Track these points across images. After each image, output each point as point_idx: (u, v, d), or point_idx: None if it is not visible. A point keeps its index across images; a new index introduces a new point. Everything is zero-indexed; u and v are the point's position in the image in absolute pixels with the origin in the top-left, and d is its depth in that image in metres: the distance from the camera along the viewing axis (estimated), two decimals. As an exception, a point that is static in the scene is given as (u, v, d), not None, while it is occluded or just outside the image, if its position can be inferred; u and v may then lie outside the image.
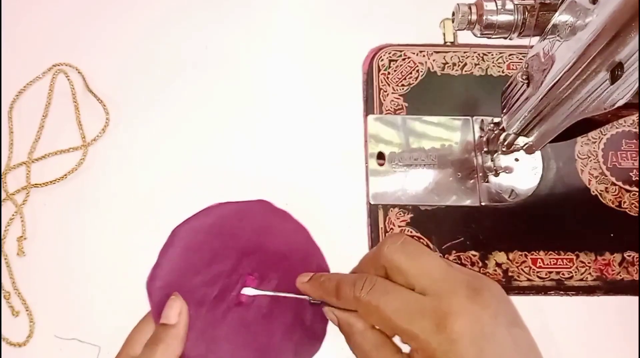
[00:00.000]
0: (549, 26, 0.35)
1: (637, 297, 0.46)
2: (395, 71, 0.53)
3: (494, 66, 0.54)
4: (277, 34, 0.56)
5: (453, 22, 0.39)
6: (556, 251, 0.47)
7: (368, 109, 0.52)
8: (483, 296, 0.30)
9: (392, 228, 0.48)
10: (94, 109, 0.53)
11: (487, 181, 0.49)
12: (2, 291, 0.46)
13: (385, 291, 0.32)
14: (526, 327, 0.31)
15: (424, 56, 0.54)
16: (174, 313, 0.34)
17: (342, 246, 0.47)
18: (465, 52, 0.54)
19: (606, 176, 0.50)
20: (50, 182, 0.50)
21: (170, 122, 0.53)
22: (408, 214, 0.48)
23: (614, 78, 0.30)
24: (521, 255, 0.47)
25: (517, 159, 0.50)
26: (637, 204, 0.49)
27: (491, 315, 0.29)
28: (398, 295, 0.31)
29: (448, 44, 0.51)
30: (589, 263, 0.47)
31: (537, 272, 0.47)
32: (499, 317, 0.29)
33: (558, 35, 0.34)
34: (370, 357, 0.33)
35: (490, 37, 0.38)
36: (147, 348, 0.33)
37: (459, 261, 0.47)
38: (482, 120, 0.51)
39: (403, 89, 0.53)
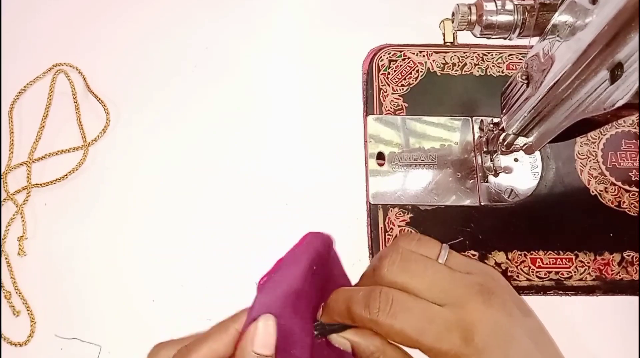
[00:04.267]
0: (549, 26, 0.35)
1: (636, 297, 0.47)
2: (395, 71, 0.53)
3: (493, 66, 0.54)
4: (277, 35, 0.57)
5: (453, 22, 0.39)
6: (555, 251, 0.47)
7: (368, 109, 0.52)
8: (497, 296, 0.30)
9: (391, 228, 0.48)
10: (94, 109, 0.53)
11: (487, 181, 0.49)
12: (3, 291, 0.46)
13: (405, 309, 0.29)
14: (531, 310, 0.32)
15: (423, 56, 0.54)
16: (273, 342, 0.29)
17: (342, 246, 0.47)
18: (465, 53, 0.54)
19: (605, 176, 0.50)
20: (51, 182, 0.50)
21: (170, 122, 0.53)
22: (408, 214, 0.48)
23: (613, 78, 0.30)
24: (520, 255, 0.47)
25: (516, 160, 0.50)
26: (637, 204, 0.49)
27: (507, 314, 0.29)
28: (419, 311, 0.29)
29: (448, 44, 0.51)
30: (588, 263, 0.47)
31: (537, 272, 0.47)
32: (513, 313, 0.30)
33: (558, 36, 0.34)
34: None
35: (490, 38, 0.38)
36: None
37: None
38: (482, 120, 0.51)
39: (403, 89, 0.53)
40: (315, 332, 0.32)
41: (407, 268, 0.31)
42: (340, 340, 0.32)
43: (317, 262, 0.32)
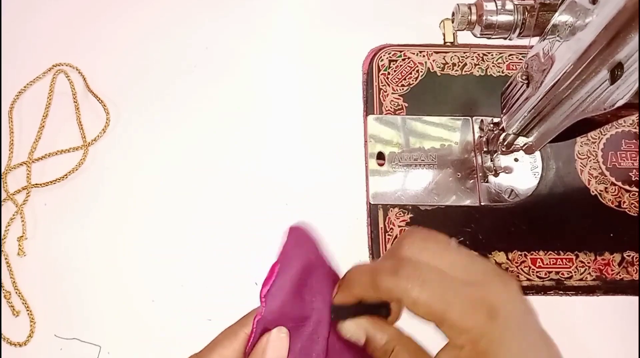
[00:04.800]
0: (549, 26, 0.35)
1: (636, 297, 0.47)
2: (395, 71, 0.53)
3: (493, 66, 0.54)
4: (277, 35, 0.57)
5: (453, 22, 0.39)
6: (556, 251, 0.47)
7: (368, 109, 0.52)
8: (513, 285, 0.30)
9: (392, 228, 0.48)
10: (94, 109, 0.53)
11: (487, 181, 0.49)
12: (3, 291, 0.46)
13: (433, 280, 0.28)
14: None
15: (423, 56, 0.54)
16: (284, 355, 0.29)
17: (342, 246, 0.48)
18: (465, 53, 0.54)
19: (606, 176, 0.50)
20: (51, 182, 0.50)
21: (170, 122, 0.53)
22: (408, 214, 0.48)
23: (613, 78, 0.30)
24: (521, 255, 0.47)
25: (516, 160, 0.50)
26: (637, 204, 0.49)
27: (522, 300, 0.29)
28: (446, 285, 0.28)
29: (448, 44, 0.51)
30: (588, 263, 0.47)
31: (537, 272, 0.47)
32: (524, 302, 0.30)
33: (558, 36, 0.34)
34: None
35: (490, 38, 0.38)
36: None
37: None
38: (482, 120, 0.51)
39: (403, 89, 0.53)
40: (333, 316, 0.31)
41: (428, 248, 0.30)
42: (353, 330, 0.31)
43: (313, 253, 0.32)
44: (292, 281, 0.31)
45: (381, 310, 0.31)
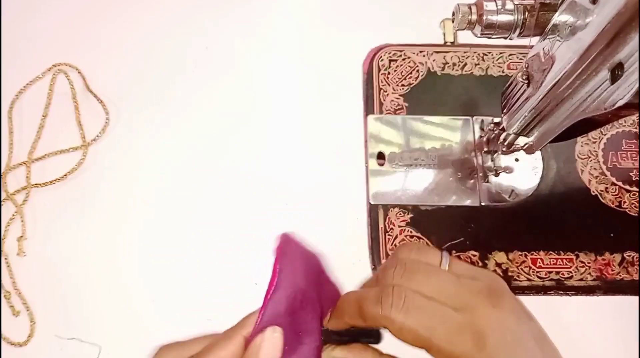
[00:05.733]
0: (549, 26, 0.35)
1: (637, 297, 0.47)
2: (395, 71, 0.53)
3: (494, 66, 0.54)
4: (277, 34, 0.56)
5: (453, 22, 0.39)
6: (556, 251, 0.47)
7: (368, 109, 0.52)
8: (505, 299, 0.29)
9: (392, 228, 0.48)
10: (93, 109, 0.53)
11: (487, 181, 0.49)
12: (3, 291, 0.46)
13: (418, 306, 0.29)
14: (532, 314, 0.32)
15: (424, 56, 0.54)
16: (278, 354, 0.29)
17: (342, 247, 0.48)
18: (465, 52, 0.54)
19: (606, 176, 0.50)
20: (51, 182, 0.50)
21: (170, 122, 0.53)
22: (408, 214, 0.48)
23: (614, 78, 0.30)
24: (521, 255, 0.47)
25: (517, 159, 0.50)
26: (637, 204, 0.49)
27: (516, 318, 0.29)
28: (431, 310, 0.29)
29: (448, 44, 0.51)
30: (588, 263, 0.47)
31: (537, 272, 0.47)
32: (520, 317, 0.30)
33: (558, 35, 0.34)
34: None
35: (490, 37, 0.38)
36: None
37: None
38: (482, 120, 0.51)
39: (403, 89, 0.53)
40: (323, 340, 0.31)
41: (413, 278, 0.30)
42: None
43: (309, 262, 0.32)
44: (286, 300, 0.30)
45: (371, 336, 0.32)
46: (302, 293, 0.31)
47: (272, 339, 0.28)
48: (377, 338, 0.32)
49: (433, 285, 0.30)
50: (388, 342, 0.31)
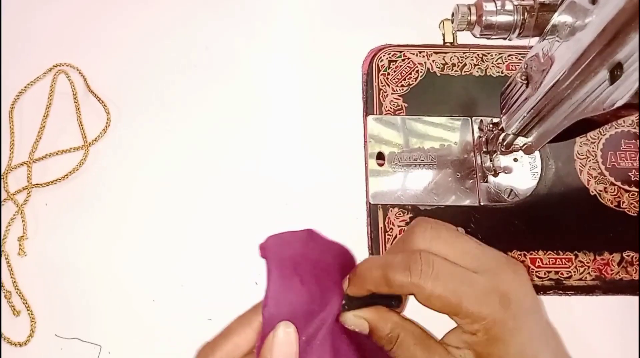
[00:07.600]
0: (549, 27, 0.35)
1: (636, 297, 0.47)
2: (394, 71, 0.53)
3: (493, 66, 0.54)
4: (277, 35, 0.57)
5: (452, 22, 0.39)
6: (555, 251, 0.48)
7: (368, 109, 0.52)
8: (521, 268, 0.30)
9: (391, 228, 0.48)
10: (94, 109, 0.53)
11: (486, 181, 0.50)
12: (3, 291, 0.46)
13: (446, 273, 0.29)
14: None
15: (423, 56, 0.54)
16: (294, 351, 0.28)
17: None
18: (464, 53, 0.54)
19: (605, 176, 0.50)
20: (51, 182, 0.50)
21: (170, 122, 0.53)
22: (407, 214, 0.48)
23: (613, 78, 0.30)
24: (520, 255, 0.47)
25: (516, 160, 0.50)
26: (636, 204, 0.49)
27: (530, 287, 0.30)
28: (460, 275, 0.29)
29: (447, 44, 0.51)
30: (587, 262, 0.47)
31: (536, 272, 0.47)
32: (533, 290, 0.30)
33: (557, 36, 0.34)
34: None
35: (489, 38, 0.38)
36: None
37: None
38: (482, 120, 0.51)
39: (403, 89, 0.53)
40: (345, 306, 0.31)
41: (439, 236, 0.30)
42: (356, 321, 0.31)
43: (306, 244, 0.33)
44: (284, 280, 0.31)
45: (392, 301, 0.31)
46: (308, 273, 0.31)
47: (286, 335, 0.28)
48: (398, 303, 0.31)
49: (459, 249, 0.30)
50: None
